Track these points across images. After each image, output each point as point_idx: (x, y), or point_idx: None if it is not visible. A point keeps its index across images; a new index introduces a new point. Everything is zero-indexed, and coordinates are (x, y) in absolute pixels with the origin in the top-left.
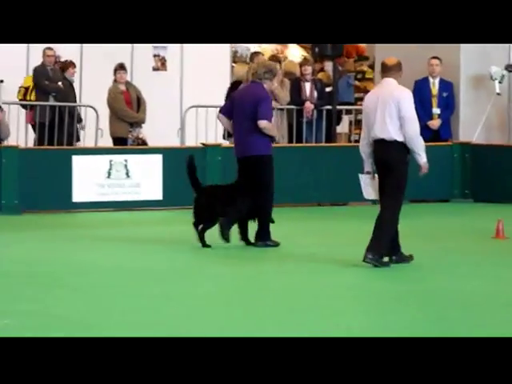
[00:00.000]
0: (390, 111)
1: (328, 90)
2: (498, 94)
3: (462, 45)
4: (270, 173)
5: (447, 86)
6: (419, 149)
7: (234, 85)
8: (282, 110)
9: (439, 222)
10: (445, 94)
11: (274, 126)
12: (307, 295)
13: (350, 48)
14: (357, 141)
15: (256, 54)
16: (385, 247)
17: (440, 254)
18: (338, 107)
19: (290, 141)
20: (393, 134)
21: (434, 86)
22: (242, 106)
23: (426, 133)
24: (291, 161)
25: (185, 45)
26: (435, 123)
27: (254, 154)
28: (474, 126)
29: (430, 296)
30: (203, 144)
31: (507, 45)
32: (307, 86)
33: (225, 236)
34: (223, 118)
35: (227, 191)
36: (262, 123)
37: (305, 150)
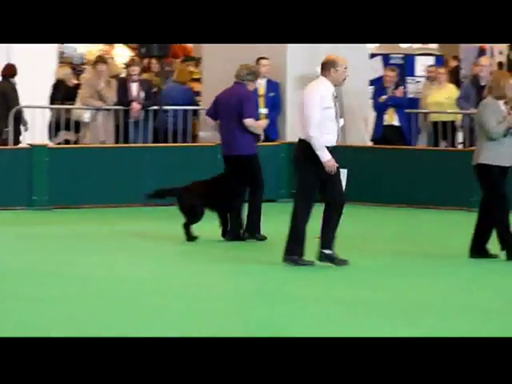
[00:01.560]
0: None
1: (155, 90)
2: None
3: (288, 45)
4: (256, 171)
5: (274, 87)
6: (316, 148)
7: (56, 86)
8: (108, 110)
9: (265, 223)
10: (272, 95)
11: (259, 125)
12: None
13: (177, 48)
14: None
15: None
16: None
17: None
18: (165, 107)
19: (117, 141)
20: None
21: (261, 86)
22: (226, 106)
23: None
24: (119, 162)
25: (12, 44)
26: (262, 123)
27: (239, 154)
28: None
29: None
30: (30, 144)
31: (334, 45)
32: (134, 87)
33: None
34: (209, 119)
35: (211, 184)
36: (248, 121)
37: (132, 151)
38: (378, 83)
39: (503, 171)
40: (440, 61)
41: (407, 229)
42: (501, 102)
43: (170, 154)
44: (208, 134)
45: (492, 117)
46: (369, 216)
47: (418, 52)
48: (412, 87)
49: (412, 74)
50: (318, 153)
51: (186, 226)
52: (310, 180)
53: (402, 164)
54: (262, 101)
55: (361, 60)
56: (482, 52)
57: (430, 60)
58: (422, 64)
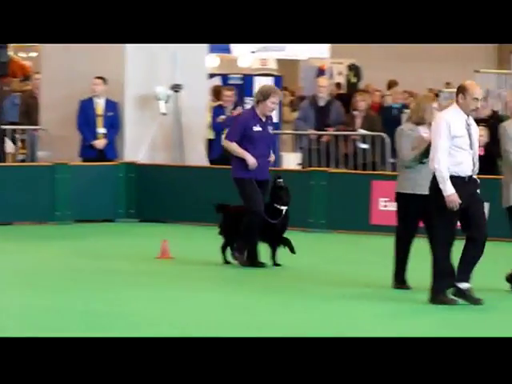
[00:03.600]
0: None
1: None
2: (164, 113)
3: (127, 64)
4: (243, 192)
5: (112, 106)
6: (439, 181)
7: None
8: None
9: (104, 243)
10: (110, 114)
11: (234, 147)
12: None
13: (16, 68)
14: (23, 160)
15: None
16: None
17: (104, 275)
18: (4, 127)
19: None
20: None
21: (99, 105)
22: None
23: (91, 152)
24: None
25: None
26: (100, 143)
27: (232, 177)
28: (139, 146)
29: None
30: None
31: (173, 64)
32: None
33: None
34: None
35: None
36: (223, 142)
37: None
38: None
39: (424, 199)
40: (279, 81)
41: None
42: (421, 128)
43: (7, 173)
44: (46, 153)
45: (406, 143)
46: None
47: (257, 72)
48: None
49: (251, 94)
50: (440, 186)
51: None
52: (446, 213)
53: None
54: (99, 120)
55: (200, 79)
56: (321, 72)
57: (270, 80)
58: (260, 84)
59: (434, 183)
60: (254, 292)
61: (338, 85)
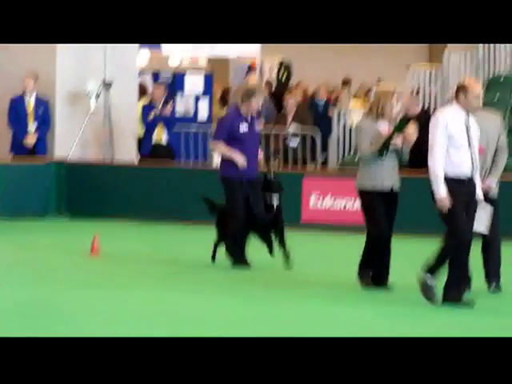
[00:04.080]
0: None
1: None
2: (93, 110)
3: (58, 61)
4: (228, 194)
5: (43, 103)
6: (431, 180)
7: None
8: None
9: (34, 239)
10: (41, 111)
11: (222, 147)
12: None
13: None
14: None
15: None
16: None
17: (32, 271)
18: None
19: None
20: None
21: (30, 102)
22: None
23: (23, 149)
24: None
25: None
26: (30, 141)
27: (220, 175)
28: (69, 143)
29: None
30: None
31: (104, 61)
32: None
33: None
34: None
35: None
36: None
37: None
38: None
39: (383, 195)
40: (209, 78)
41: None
42: (381, 122)
43: None
44: None
45: (365, 139)
46: (146, 235)
47: (188, 70)
48: (181, 105)
49: (182, 91)
50: (432, 185)
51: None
52: (459, 213)
53: (170, 181)
54: (30, 117)
55: (130, 76)
56: (251, 69)
57: (200, 78)
58: (191, 82)
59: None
60: (182, 288)
61: (269, 82)
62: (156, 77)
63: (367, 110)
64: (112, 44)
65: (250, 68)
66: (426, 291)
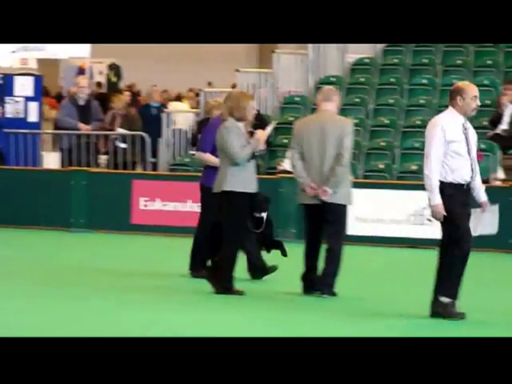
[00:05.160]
0: None
1: None
2: None
3: None
4: (203, 204)
5: None
6: (427, 188)
7: None
8: None
9: None
10: None
11: (210, 158)
12: None
13: None
14: None
15: None
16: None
17: None
18: None
19: None
20: None
21: None
22: None
23: None
24: None
25: None
26: None
27: (204, 185)
28: None
29: None
30: None
31: None
32: None
33: None
34: None
35: None
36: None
37: None
38: None
39: (251, 197)
40: (39, 80)
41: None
42: (241, 124)
43: None
44: None
45: (236, 141)
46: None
47: (18, 72)
48: (11, 107)
49: (11, 93)
50: (427, 193)
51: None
52: (460, 219)
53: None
54: None
55: None
56: (81, 71)
57: (30, 80)
58: (21, 84)
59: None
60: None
61: (99, 84)
62: None
63: (227, 110)
64: None
65: (80, 69)
66: (450, 313)
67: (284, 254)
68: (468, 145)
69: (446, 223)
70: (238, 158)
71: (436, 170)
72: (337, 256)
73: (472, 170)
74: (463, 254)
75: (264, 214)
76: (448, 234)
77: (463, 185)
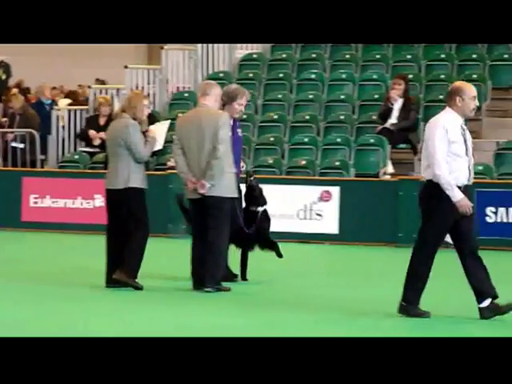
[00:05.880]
0: None
1: None
2: None
3: None
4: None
5: None
6: (445, 187)
7: None
8: None
9: None
10: None
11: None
12: None
13: None
14: None
15: None
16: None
17: None
18: None
19: None
20: None
21: None
22: None
23: None
24: None
25: None
26: None
27: None
28: None
29: None
30: None
31: None
32: None
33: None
34: None
35: None
36: None
37: None
38: None
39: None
40: None
41: None
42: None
43: None
44: None
45: (140, 140)
46: None
47: None
48: None
49: None
50: (448, 192)
51: None
52: (442, 225)
53: None
54: None
55: None
56: None
57: None
58: None
59: (427, 191)
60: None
61: None
62: None
63: (120, 109)
64: None
65: None
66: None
67: (279, 255)
68: (466, 146)
69: (428, 223)
70: (144, 156)
71: (445, 168)
72: (217, 248)
73: (469, 172)
74: (429, 257)
75: (260, 209)
76: (425, 232)
77: (460, 187)
